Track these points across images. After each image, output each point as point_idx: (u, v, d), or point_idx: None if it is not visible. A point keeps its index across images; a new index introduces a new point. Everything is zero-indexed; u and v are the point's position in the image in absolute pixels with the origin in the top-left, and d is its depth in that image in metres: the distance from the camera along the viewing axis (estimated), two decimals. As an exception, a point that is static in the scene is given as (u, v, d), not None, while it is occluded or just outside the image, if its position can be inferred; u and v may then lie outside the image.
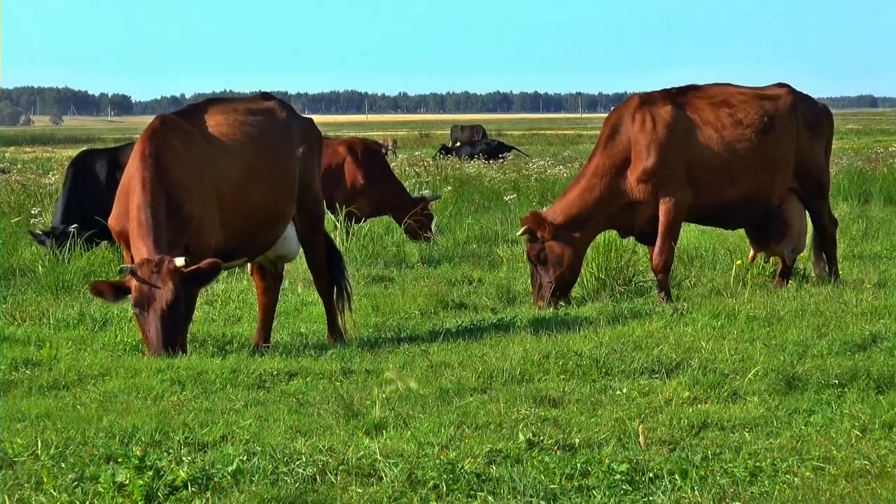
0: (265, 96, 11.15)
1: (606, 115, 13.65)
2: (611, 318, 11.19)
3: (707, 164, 12.81)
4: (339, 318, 11.09)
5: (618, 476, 6.38)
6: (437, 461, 6.51)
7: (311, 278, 11.44)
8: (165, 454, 6.75)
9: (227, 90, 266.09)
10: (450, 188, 25.09)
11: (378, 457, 6.59)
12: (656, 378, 8.74)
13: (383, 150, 21.88)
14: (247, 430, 7.30)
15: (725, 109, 13.01)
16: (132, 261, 9.77)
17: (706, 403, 8.01)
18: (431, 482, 6.29)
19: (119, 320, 11.54)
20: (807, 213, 13.49)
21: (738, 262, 13.28)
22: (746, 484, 6.35)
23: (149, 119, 11.22)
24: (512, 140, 57.87)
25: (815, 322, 10.52)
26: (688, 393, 8.19)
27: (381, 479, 6.39)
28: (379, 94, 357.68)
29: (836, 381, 8.40)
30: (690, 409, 7.82)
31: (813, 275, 13.60)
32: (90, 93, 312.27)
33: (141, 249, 9.67)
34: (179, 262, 9.51)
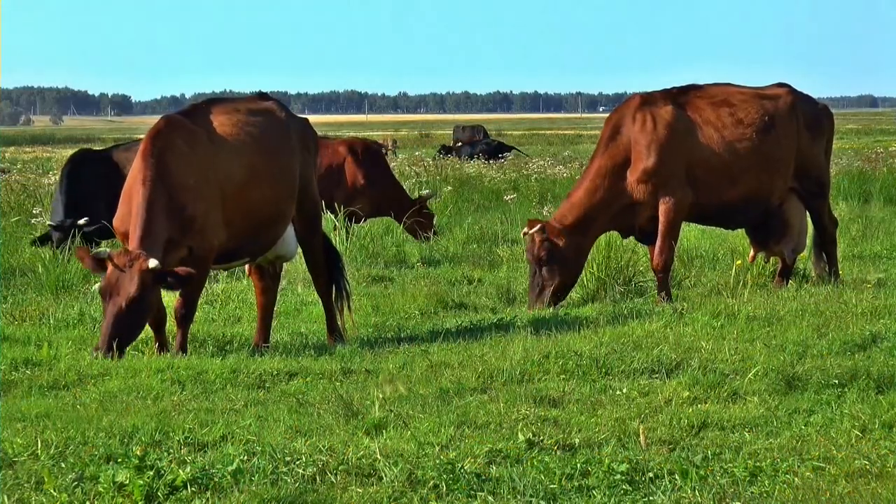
0: (262, 96, 11.16)
1: (606, 115, 13.64)
2: (611, 318, 11.19)
3: (707, 164, 12.81)
4: (339, 317, 11.09)
5: (618, 476, 6.38)
6: (437, 461, 6.51)
7: (311, 278, 11.45)
8: (165, 454, 6.75)
9: (227, 90, 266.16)
10: (450, 188, 25.10)
11: (378, 457, 6.59)
12: (656, 378, 8.74)
13: (383, 151, 21.88)
14: (247, 430, 7.30)
15: (726, 109, 13.01)
16: None
17: (706, 403, 8.01)
18: (431, 482, 6.29)
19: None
20: (807, 212, 13.49)
21: (738, 262, 13.28)
22: (746, 484, 6.35)
23: (149, 119, 11.28)
24: (512, 140, 57.88)
25: (815, 322, 10.52)
26: (688, 393, 8.19)
27: (381, 479, 6.39)
28: (379, 94, 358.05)
29: (836, 381, 8.40)
30: (690, 409, 7.82)
31: (813, 275, 13.60)
32: (90, 93, 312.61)
33: (130, 242, 9.73)
34: (152, 263, 9.53)
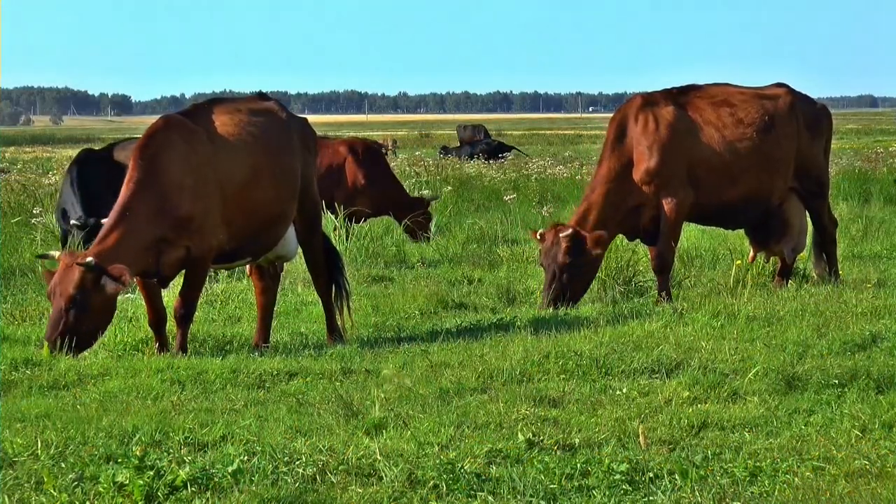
0: (262, 96, 11.16)
1: (604, 114, 13.62)
2: (611, 318, 11.19)
3: (708, 164, 12.81)
4: (339, 317, 11.10)
5: (618, 476, 6.38)
6: (437, 461, 6.51)
7: (311, 278, 11.46)
8: (165, 454, 6.75)
9: (227, 90, 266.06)
10: (450, 188, 25.10)
11: (378, 457, 6.59)
12: (656, 378, 8.74)
13: (383, 151, 21.89)
14: (247, 430, 7.30)
15: (726, 109, 13.01)
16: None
17: (706, 403, 8.01)
18: (431, 482, 6.29)
19: (119, 320, 11.54)
20: (807, 212, 13.49)
21: (738, 262, 13.28)
22: (746, 484, 6.35)
23: (149, 119, 11.29)
24: (512, 140, 57.87)
25: (815, 322, 10.52)
26: (688, 393, 8.19)
27: (381, 479, 6.39)
28: (379, 94, 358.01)
29: (836, 381, 8.40)
30: (690, 409, 7.82)
31: (813, 275, 13.59)
32: (90, 93, 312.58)
33: (96, 245, 9.84)
34: (88, 259, 9.60)
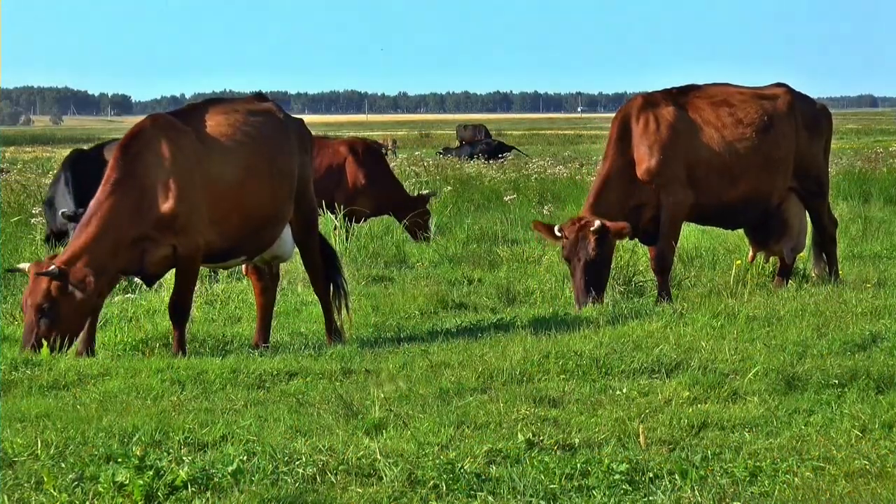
0: (260, 97, 11.16)
1: (601, 114, 13.62)
2: (611, 318, 11.19)
3: (708, 165, 12.81)
4: (338, 317, 11.10)
5: (618, 476, 6.38)
6: (437, 461, 6.51)
7: (309, 279, 11.46)
8: (165, 454, 6.75)
9: (227, 90, 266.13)
10: (450, 188, 25.10)
11: (378, 457, 6.59)
12: (656, 378, 8.74)
13: (383, 150, 21.90)
14: (247, 430, 7.30)
15: (726, 109, 13.02)
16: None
17: (706, 403, 8.01)
18: (431, 482, 6.29)
19: (119, 320, 11.55)
20: (806, 212, 13.49)
21: (738, 262, 13.29)
22: (746, 484, 6.35)
23: (148, 119, 11.20)
24: (512, 140, 57.90)
25: (815, 322, 10.52)
26: (688, 393, 8.19)
27: (381, 479, 6.39)
28: (379, 94, 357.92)
29: (836, 381, 8.40)
30: (690, 409, 7.82)
31: (813, 275, 13.59)
32: (90, 93, 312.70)
33: (69, 247, 9.93)
34: (52, 268, 9.72)
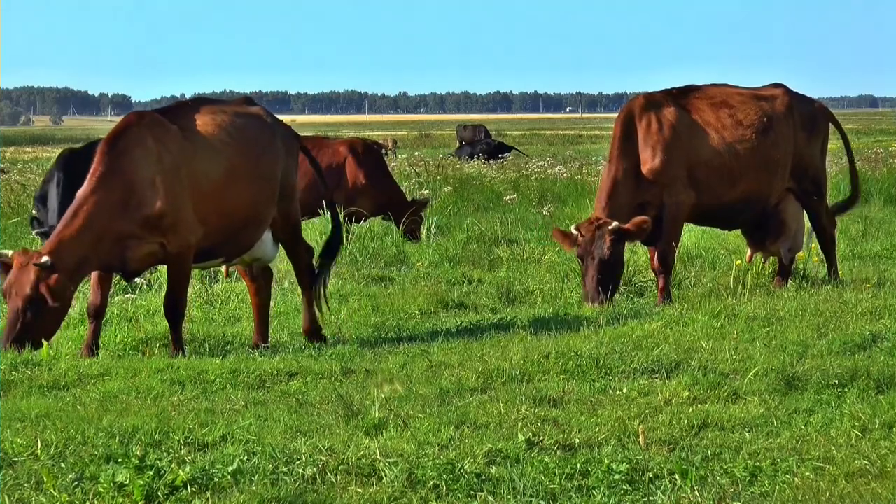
0: (248, 101, 11.14)
1: (601, 114, 13.61)
2: (611, 318, 11.19)
3: (709, 166, 12.82)
4: (316, 308, 11.02)
5: (618, 476, 6.38)
6: (437, 461, 6.51)
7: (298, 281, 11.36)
8: (165, 454, 6.75)
9: (227, 90, 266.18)
10: (450, 188, 25.10)
11: (378, 457, 6.59)
12: (656, 378, 8.74)
13: (383, 151, 21.90)
14: (247, 430, 7.30)
15: (725, 110, 13.03)
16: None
17: (706, 403, 8.01)
18: (431, 482, 6.29)
19: (119, 320, 11.55)
20: (804, 212, 13.49)
21: (738, 262, 13.29)
22: (746, 484, 6.35)
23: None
24: (512, 140, 57.89)
25: (815, 322, 10.52)
26: (688, 393, 8.19)
27: (381, 479, 6.39)
28: (379, 94, 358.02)
29: (836, 381, 8.40)
30: (690, 409, 7.82)
31: (813, 275, 13.58)
32: (90, 93, 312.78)
33: (50, 240, 9.85)
34: (44, 259, 9.61)
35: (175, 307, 10.18)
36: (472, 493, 6.22)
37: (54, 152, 53.42)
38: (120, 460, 6.50)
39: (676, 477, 6.38)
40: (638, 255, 13.84)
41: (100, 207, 9.82)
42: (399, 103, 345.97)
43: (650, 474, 6.44)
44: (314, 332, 10.89)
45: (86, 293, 11.51)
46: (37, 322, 9.72)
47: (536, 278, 13.90)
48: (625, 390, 8.35)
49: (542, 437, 7.08)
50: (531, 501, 6.15)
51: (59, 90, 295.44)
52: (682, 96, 13.04)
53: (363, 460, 6.59)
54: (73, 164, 16.24)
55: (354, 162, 18.79)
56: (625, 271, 13.22)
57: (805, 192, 13.37)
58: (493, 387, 8.59)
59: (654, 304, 12.25)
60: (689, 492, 6.19)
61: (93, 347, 10.08)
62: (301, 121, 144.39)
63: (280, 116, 11.25)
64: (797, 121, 13.33)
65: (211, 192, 10.20)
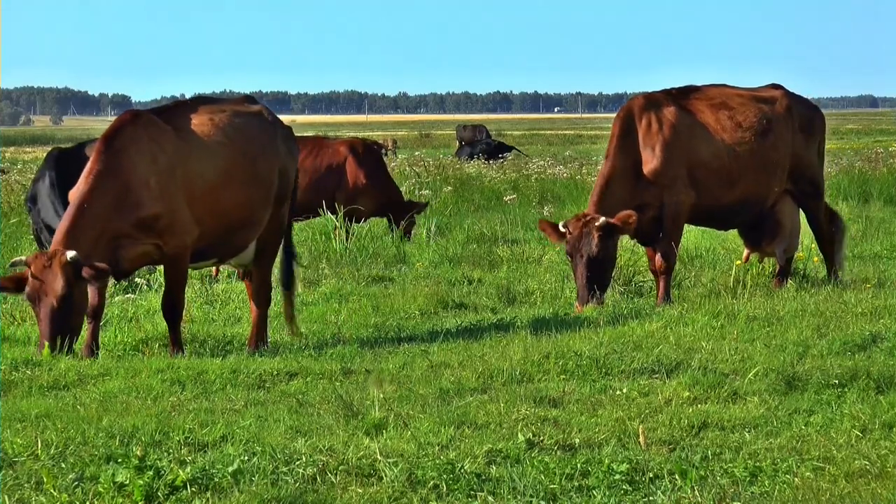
0: (249, 99, 11.11)
1: (600, 114, 13.60)
2: (611, 318, 11.18)
3: (708, 167, 12.82)
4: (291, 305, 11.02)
5: (618, 476, 6.38)
6: (437, 461, 6.51)
7: (281, 279, 11.31)
8: (165, 454, 6.75)
9: (227, 90, 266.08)
10: (450, 188, 25.10)
11: (378, 457, 6.59)
12: (656, 378, 8.74)
13: (383, 151, 21.92)
14: (247, 430, 7.30)
15: (725, 112, 13.03)
16: None
17: (706, 403, 8.01)
18: (431, 482, 6.29)
19: (119, 320, 11.55)
20: (801, 213, 13.50)
21: (738, 262, 13.30)
22: (746, 484, 6.35)
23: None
24: (512, 140, 57.90)
25: (815, 322, 10.52)
26: (688, 393, 8.19)
27: (381, 479, 6.39)
28: (379, 94, 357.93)
29: (836, 381, 8.39)
30: (690, 409, 7.82)
31: (812, 275, 13.58)
32: (90, 93, 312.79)
33: (55, 238, 9.79)
34: (70, 254, 9.56)
35: (173, 307, 10.17)
36: (472, 493, 6.22)
37: (54, 152, 53.46)
38: (120, 460, 6.50)
39: (676, 477, 6.38)
40: (638, 255, 13.83)
41: (97, 205, 9.79)
42: (399, 103, 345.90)
43: (650, 474, 6.44)
44: (261, 342, 10.69)
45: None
46: (75, 317, 9.71)
47: (536, 278, 13.90)
48: (625, 390, 8.35)
49: (542, 437, 7.08)
50: (531, 501, 6.15)
51: (59, 90, 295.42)
52: (681, 96, 13.04)
53: (363, 460, 6.59)
54: (63, 164, 16.23)
55: (355, 162, 18.80)
56: (624, 271, 13.24)
57: (803, 193, 13.38)
58: (493, 387, 8.59)
59: (654, 305, 12.24)
60: (689, 492, 6.19)
61: (93, 347, 10.07)
62: (301, 121, 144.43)
63: (280, 116, 11.21)
64: (796, 122, 13.34)
65: (206, 192, 10.16)
